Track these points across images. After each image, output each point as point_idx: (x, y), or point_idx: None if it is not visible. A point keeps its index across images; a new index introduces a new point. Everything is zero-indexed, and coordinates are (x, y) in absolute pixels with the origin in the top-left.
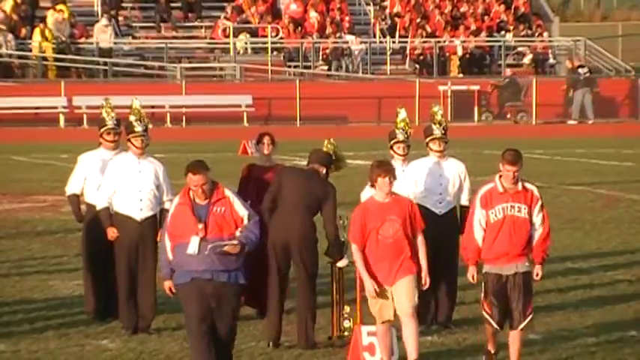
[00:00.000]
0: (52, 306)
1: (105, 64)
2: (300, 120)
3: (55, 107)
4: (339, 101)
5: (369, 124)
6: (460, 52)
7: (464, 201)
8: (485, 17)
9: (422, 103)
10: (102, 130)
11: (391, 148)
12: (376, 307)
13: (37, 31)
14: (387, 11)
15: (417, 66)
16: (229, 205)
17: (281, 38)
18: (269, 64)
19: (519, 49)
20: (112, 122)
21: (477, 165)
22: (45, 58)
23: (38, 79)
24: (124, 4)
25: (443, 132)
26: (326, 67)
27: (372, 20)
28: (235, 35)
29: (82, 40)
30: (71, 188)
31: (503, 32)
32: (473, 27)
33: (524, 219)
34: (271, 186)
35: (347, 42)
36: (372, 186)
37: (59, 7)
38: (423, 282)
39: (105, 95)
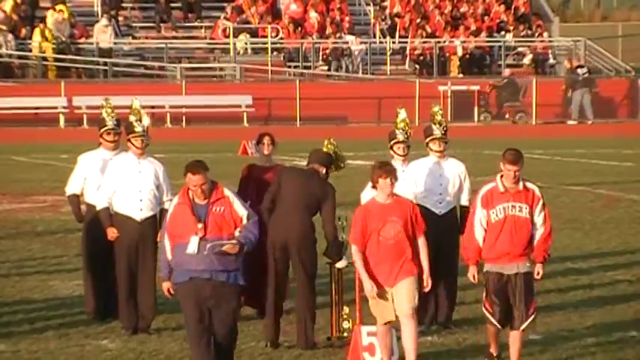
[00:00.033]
0: (52, 306)
1: (105, 64)
2: (300, 120)
3: (55, 107)
4: (339, 101)
5: (369, 125)
6: (460, 53)
7: (464, 201)
8: (485, 17)
9: (422, 104)
10: (102, 130)
11: (391, 148)
12: (377, 308)
13: (37, 31)
14: (387, 11)
15: (417, 66)
16: (229, 205)
17: (281, 38)
18: (269, 64)
19: (519, 49)
20: (112, 122)
21: (477, 165)
22: (45, 58)
23: (38, 79)
24: (124, 4)
25: (443, 132)
26: (326, 68)
27: (372, 20)
28: (235, 35)
29: (82, 40)
30: (71, 188)
31: (503, 32)
32: (473, 27)
33: (525, 219)
34: (271, 186)
35: (347, 42)
36: (374, 187)
37: (59, 7)
38: (425, 284)
39: (105, 95)
